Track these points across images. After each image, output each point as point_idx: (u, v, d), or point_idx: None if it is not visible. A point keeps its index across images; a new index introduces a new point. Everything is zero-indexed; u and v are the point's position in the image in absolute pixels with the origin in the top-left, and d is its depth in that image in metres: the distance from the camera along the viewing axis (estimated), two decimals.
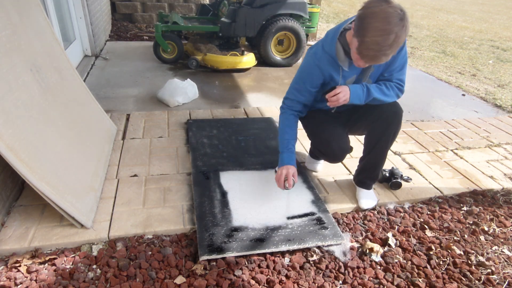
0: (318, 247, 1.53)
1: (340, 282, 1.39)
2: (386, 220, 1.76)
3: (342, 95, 1.50)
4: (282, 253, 1.50)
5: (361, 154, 1.81)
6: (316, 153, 1.96)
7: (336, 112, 1.77)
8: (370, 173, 1.79)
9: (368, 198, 1.81)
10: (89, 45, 3.92)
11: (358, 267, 1.46)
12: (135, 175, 1.91)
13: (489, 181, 2.11)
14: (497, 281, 1.43)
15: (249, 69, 3.99)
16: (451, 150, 2.45)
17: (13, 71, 1.47)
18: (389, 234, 1.64)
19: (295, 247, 1.50)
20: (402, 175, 1.94)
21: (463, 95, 3.68)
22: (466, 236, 1.68)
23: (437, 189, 2.00)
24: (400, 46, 1.30)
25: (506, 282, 1.43)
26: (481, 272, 1.47)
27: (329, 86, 1.60)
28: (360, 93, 1.53)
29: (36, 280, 1.29)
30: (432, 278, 1.42)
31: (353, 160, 2.20)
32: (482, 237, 1.68)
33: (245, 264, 1.43)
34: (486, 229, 1.72)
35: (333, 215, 1.73)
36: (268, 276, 1.38)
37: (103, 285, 1.29)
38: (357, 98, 1.53)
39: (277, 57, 4.13)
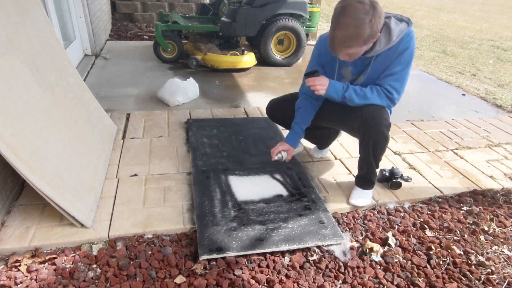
0: (318, 247, 1.54)
1: (340, 281, 1.40)
2: (386, 219, 1.76)
3: (318, 81, 1.56)
4: (282, 253, 1.50)
5: None
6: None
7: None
8: (360, 171, 1.80)
9: (360, 197, 1.81)
10: (89, 44, 3.92)
11: (358, 267, 1.46)
12: (135, 175, 1.91)
13: (489, 181, 2.11)
14: (497, 281, 1.43)
15: (249, 69, 3.99)
16: (451, 150, 2.45)
17: (13, 70, 1.47)
18: (389, 234, 1.64)
19: (295, 246, 1.50)
20: (402, 175, 1.94)
21: (463, 95, 3.68)
22: (466, 236, 1.68)
23: (437, 189, 2.00)
24: (366, 40, 1.34)
25: (506, 282, 1.43)
26: (481, 272, 1.47)
27: (327, 71, 1.69)
28: (339, 87, 1.57)
29: (36, 280, 1.29)
30: (432, 278, 1.42)
31: (353, 160, 2.20)
32: (482, 237, 1.68)
33: (245, 263, 1.43)
34: (486, 229, 1.72)
35: (333, 215, 1.73)
36: (268, 275, 1.38)
37: (103, 285, 1.29)
38: (335, 91, 1.57)
39: (277, 56, 4.13)
